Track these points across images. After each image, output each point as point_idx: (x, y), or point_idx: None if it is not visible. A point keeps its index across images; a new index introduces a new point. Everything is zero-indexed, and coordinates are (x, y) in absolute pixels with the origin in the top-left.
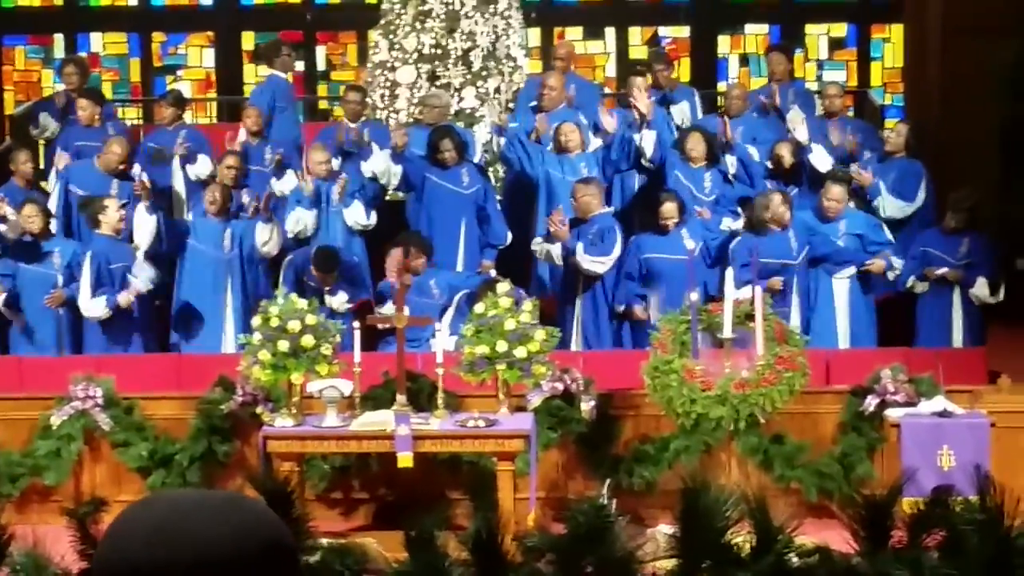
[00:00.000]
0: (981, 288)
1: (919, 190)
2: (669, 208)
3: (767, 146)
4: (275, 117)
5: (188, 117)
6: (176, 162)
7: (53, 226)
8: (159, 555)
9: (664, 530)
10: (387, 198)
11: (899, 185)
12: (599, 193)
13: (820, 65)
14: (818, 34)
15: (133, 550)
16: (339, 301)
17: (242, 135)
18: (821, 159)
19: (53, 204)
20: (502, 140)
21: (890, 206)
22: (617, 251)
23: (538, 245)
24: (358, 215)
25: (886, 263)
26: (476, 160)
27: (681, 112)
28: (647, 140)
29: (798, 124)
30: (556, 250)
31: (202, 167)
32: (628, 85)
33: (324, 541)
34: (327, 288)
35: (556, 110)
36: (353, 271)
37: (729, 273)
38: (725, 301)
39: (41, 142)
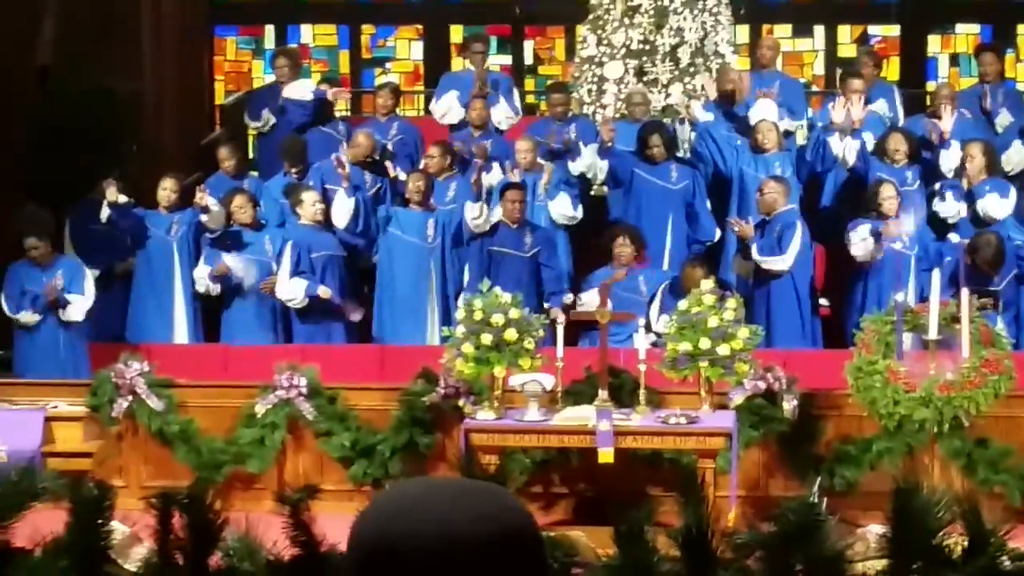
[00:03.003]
0: None
1: None
2: (887, 189)
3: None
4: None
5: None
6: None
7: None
8: (402, 529)
9: (874, 530)
10: (591, 193)
11: None
12: (785, 191)
13: None
14: None
15: (380, 524)
16: None
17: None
18: (1017, 160)
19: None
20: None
21: None
22: (796, 248)
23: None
24: (564, 207)
25: None
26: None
27: (878, 110)
28: (850, 148)
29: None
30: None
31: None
32: (844, 86)
33: None
34: None
35: (743, 104)
36: None
37: (936, 274)
38: (931, 302)
39: (252, 133)
